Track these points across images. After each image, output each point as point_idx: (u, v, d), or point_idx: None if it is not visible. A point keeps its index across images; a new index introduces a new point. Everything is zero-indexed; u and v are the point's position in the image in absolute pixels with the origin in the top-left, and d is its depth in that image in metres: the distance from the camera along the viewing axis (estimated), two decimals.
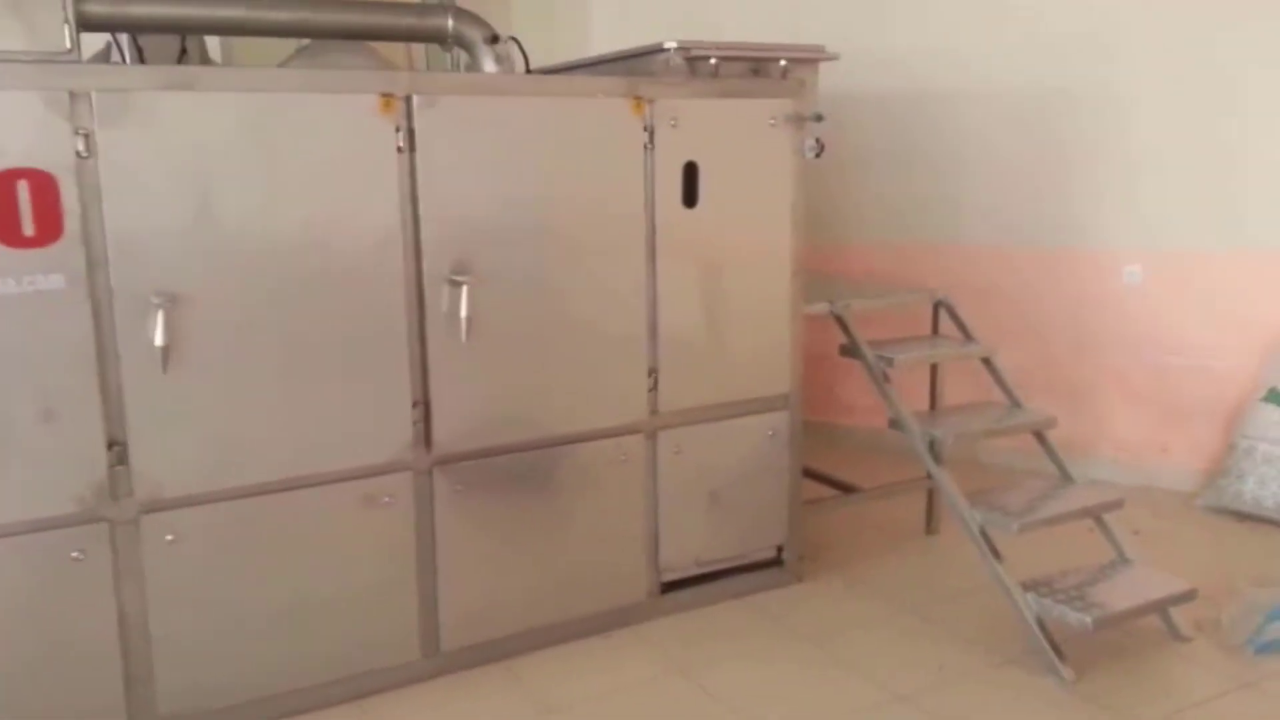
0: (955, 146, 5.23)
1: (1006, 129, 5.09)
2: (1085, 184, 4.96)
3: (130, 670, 2.79)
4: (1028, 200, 5.09)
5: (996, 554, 3.35)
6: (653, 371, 3.46)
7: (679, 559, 3.63)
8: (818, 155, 3.67)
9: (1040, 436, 3.81)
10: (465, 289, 3.00)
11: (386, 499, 3.02)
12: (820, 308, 3.95)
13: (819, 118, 3.58)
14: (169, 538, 2.78)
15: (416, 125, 2.92)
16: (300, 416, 2.89)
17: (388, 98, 2.86)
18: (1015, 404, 3.91)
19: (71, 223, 2.54)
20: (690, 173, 3.41)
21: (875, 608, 3.71)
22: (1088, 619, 3.13)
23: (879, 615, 3.65)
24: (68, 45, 2.59)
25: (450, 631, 3.21)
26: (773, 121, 3.54)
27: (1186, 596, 3.36)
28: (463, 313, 3.01)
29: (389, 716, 3.03)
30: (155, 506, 2.76)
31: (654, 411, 3.49)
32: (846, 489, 4.34)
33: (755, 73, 3.68)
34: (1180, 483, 4.87)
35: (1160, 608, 3.35)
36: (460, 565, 3.20)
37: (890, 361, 3.77)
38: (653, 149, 3.32)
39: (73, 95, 2.51)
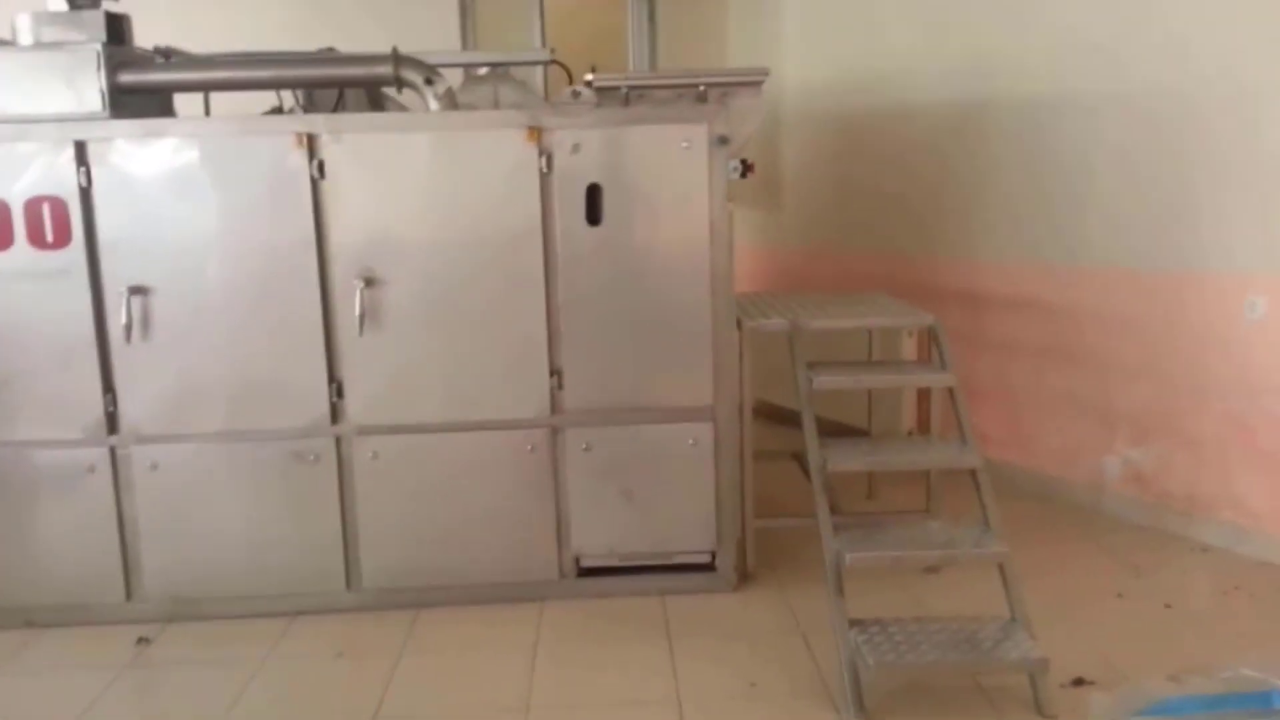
0: (1079, 157, 4.75)
1: (1134, 135, 4.51)
2: (1211, 199, 4.28)
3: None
4: (1161, 216, 4.46)
5: (840, 588, 3.27)
6: (555, 372, 3.83)
7: (593, 547, 3.96)
8: (743, 175, 3.78)
9: (973, 475, 3.54)
10: (359, 292, 3.67)
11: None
12: (777, 324, 4.01)
13: (724, 140, 3.69)
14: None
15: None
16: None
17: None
18: (963, 441, 3.66)
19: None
20: (593, 194, 3.73)
21: (777, 623, 3.73)
22: (870, 662, 3.00)
23: (770, 631, 3.67)
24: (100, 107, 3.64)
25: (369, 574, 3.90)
26: (685, 144, 3.72)
27: (1027, 666, 3.03)
28: (357, 310, 3.67)
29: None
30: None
31: (559, 410, 3.86)
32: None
33: (698, 99, 3.86)
34: None
35: (968, 671, 3.07)
36: (375, 524, 3.88)
37: (811, 381, 3.75)
38: (550, 173, 3.70)
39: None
